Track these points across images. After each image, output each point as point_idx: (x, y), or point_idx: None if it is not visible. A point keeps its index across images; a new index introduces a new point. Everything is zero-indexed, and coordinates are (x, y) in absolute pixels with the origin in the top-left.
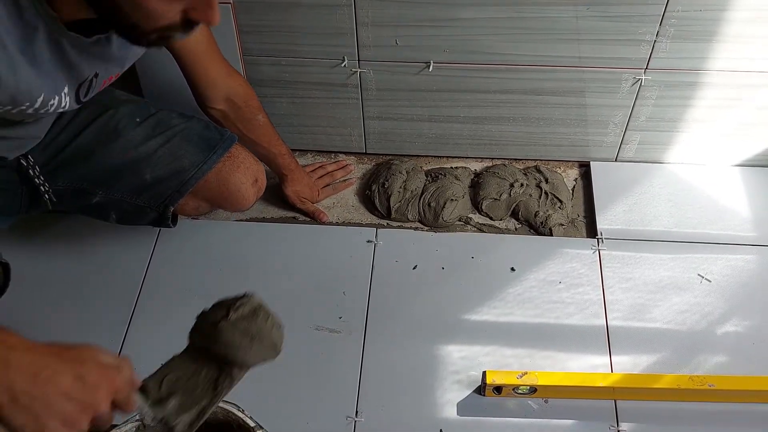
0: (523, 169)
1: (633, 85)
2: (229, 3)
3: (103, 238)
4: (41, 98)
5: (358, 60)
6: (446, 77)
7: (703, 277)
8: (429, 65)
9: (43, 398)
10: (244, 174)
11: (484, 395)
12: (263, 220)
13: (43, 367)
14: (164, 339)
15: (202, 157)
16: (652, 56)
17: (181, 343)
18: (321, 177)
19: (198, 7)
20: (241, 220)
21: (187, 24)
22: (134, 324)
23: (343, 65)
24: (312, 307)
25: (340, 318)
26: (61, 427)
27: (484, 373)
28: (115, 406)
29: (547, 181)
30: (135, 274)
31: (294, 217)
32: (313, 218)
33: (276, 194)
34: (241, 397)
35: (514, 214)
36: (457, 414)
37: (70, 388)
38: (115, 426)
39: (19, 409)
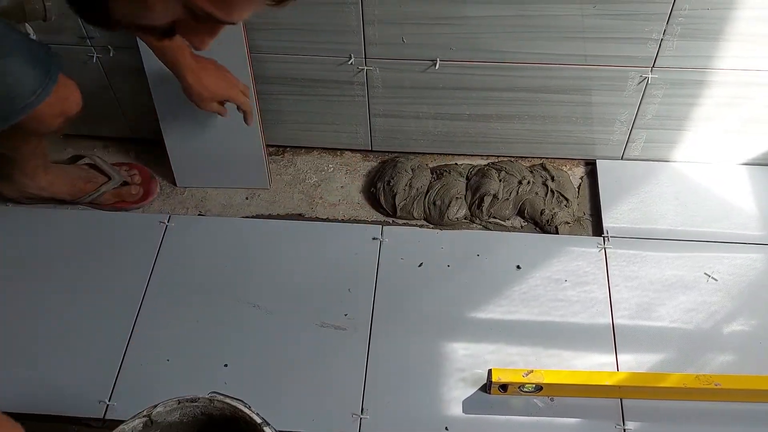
0: (529, 167)
1: (639, 83)
2: None
3: (110, 233)
4: None
5: (365, 57)
6: (452, 75)
7: (709, 276)
8: (435, 63)
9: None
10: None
11: (489, 393)
12: (269, 216)
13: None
14: (171, 334)
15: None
16: (658, 55)
17: (187, 338)
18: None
19: (190, 30)
20: (248, 217)
21: (170, 31)
22: (141, 318)
23: (349, 63)
24: (317, 303)
25: (346, 315)
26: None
27: (489, 371)
28: None
29: (553, 179)
30: (142, 269)
31: (300, 214)
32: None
33: (281, 191)
34: (248, 393)
35: (520, 212)
36: (463, 412)
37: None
38: (122, 422)
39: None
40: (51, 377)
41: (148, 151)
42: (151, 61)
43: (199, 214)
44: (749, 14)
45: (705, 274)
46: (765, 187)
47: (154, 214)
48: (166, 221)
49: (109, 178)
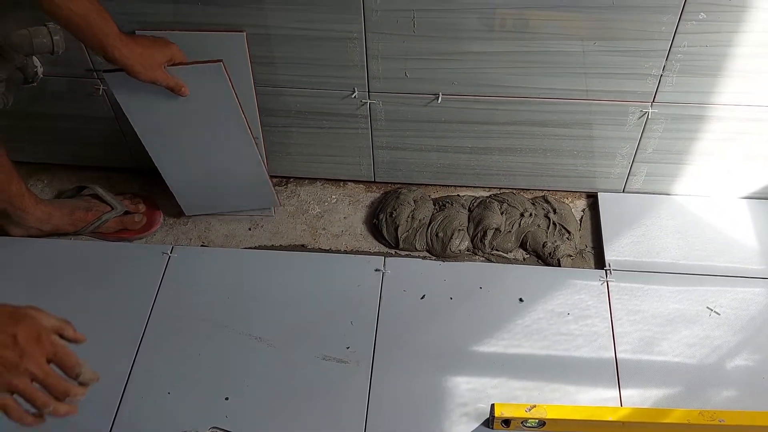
0: (531, 199)
1: (640, 118)
2: (244, 33)
3: (113, 264)
4: None
5: (368, 91)
6: (454, 109)
7: (712, 310)
8: (438, 97)
9: None
10: None
11: (492, 428)
12: (272, 247)
13: None
14: (173, 366)
15: None
16: (658, 90)
17: (189, 370)
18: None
19: None
20: (251, 248)
21: None
22: (142, 350)
23: (353, 96)
24: (319, 336)
25: (348, 348)
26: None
27: (492, 405)
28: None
29: (555, 211)
30: (144, 300)
31: (303, 245)
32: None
33: (284, 221)
34: (249, 427)
35: (523, 245)
36: None
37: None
38: None
39: None
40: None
41: (153, 182)
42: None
43: (202, 245)
44: (747, 51)
45: (707, 308)
46: (765, 221)
47: (157, 244)
48: (169, 252)
49: (112, 208)
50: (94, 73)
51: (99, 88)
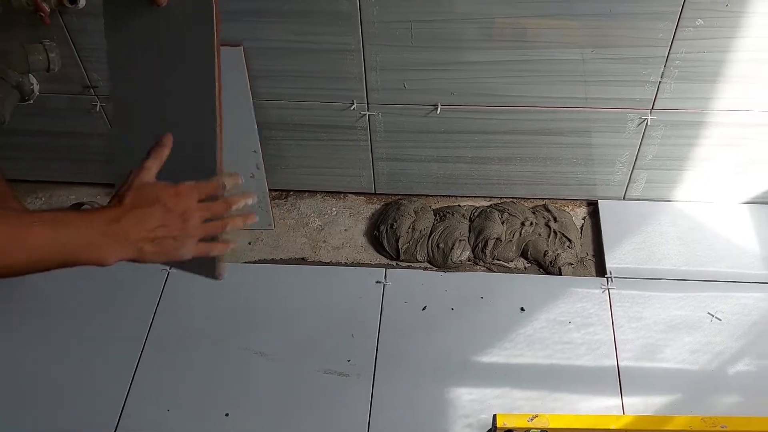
0: (532, 208)
1: (639, 125)
2: (241, 47)
3: (111, 281)
4: None
5: (367, 103)
6: (453, 119)
7: (713, 316)
8: (437, 107)
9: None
10: None
11: None
12: (272, 261)
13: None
14: (172, 383)
15: None
16: (657, 97)
17: (188, 387)
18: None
19: None
20: (250, 262)
21: None
22: (141, 367)
23: (352, 108)
24: (320, 349)
25: (349, 361)
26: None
27: (494, 416)
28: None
29: (555, 219)
30: (143, 316)
31: (303, 259)
32: None
33: (285, 235)
34: None
35: (524, 254)
36: None
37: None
38: None
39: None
40: (51, 428)
41: None
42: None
43: None
44: (744, 57)
45: (709, 314)
46: (767, 225)
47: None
48: (168, 268)
49: None
50: (91, 90)
51: (96, 105)
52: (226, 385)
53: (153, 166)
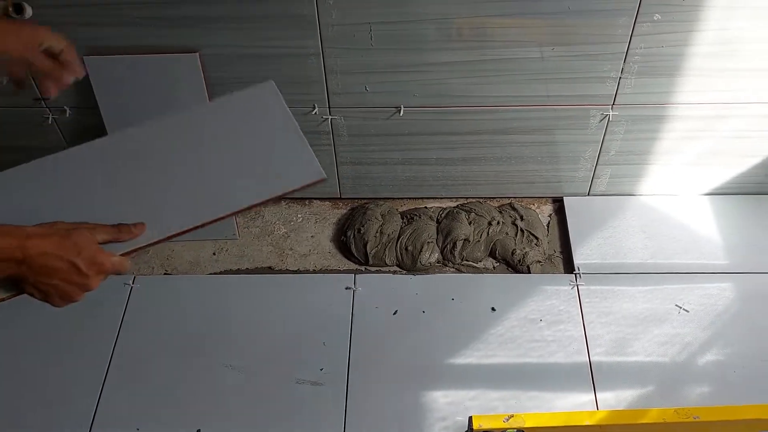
0: (498, 207)
1: (601, 120)
2: (197, 54)
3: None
4: None
5: (329, 107)
6: (417, 121)
7: (681, 308)
8: (399, 110)
9: (47, 281)
10: None
11: None
12: (238, 271)
13: (49, 256)
14: (140, 400)
15: None
16: (618, 92)
17: (157, 404)
18: None
19: None
20: (216, 273)
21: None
22: (108, 386)
23: (313, 112)
24: (292, 359)
25: (322, 369)
26: (60, 300)
27: (470, 418)
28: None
29: (522, 218)
30: (107, 334)
31: (270, 267)
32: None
33: (250, 244)
34: None
35: (492, 253)
36: None
37: (67, 275)
38: None
39: (31, 285)
40: None
41: None
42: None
43: (165, 273)
44: (702, 50)
45: (676, 305)
46: (728, 216)
47: (117, 275)
48: (130, 282)
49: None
50: (43, 102)
51: (48, 117)
52: (197, 400)
53: (103, 237)
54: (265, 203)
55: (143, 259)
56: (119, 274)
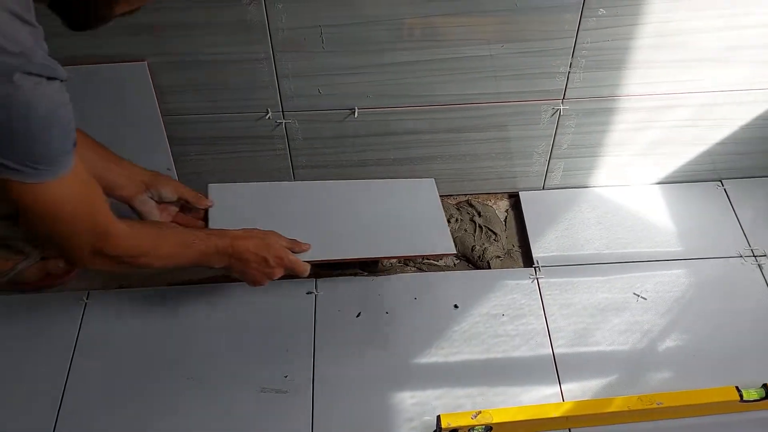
0: (456, 204)
1: (552, 115)
2: (145, 62)
3: (24, 319)
4: None
5: (282, 111)
6: (372, 122)
7: (638, 296)
8: (354, 111)
9: (246, 269)
10: None
11: None
12: (196, 281)
13: (249, 252)
14: (99, 421)
15: None
16: (567, 87)
17: (118, 422)
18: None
19: None
20: (173, 284)
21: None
22: (65, 408)
23: (267, 117)
24: (255, 368)
25: (286, 377)
26: (252, 283)
27: (438, 417)
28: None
29: (480, 214)
30: (62, 353)
31: (227, 276)
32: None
33: None
34: None
35: None
36: None
37: (259, 266)
38: None
39: (235, 271)
40: None
41: None
42: None
43: (120, 287)
44: (646, 43)
45: (634, 294)
46: (678, 204)
47: (70, 291)
48: (84, 299)
49: (26, 256)
50: None
51: None
52: (159, 416)
53: (285, 243)
54: (402, 258)
55: (96, 273)
56: (296, 274)
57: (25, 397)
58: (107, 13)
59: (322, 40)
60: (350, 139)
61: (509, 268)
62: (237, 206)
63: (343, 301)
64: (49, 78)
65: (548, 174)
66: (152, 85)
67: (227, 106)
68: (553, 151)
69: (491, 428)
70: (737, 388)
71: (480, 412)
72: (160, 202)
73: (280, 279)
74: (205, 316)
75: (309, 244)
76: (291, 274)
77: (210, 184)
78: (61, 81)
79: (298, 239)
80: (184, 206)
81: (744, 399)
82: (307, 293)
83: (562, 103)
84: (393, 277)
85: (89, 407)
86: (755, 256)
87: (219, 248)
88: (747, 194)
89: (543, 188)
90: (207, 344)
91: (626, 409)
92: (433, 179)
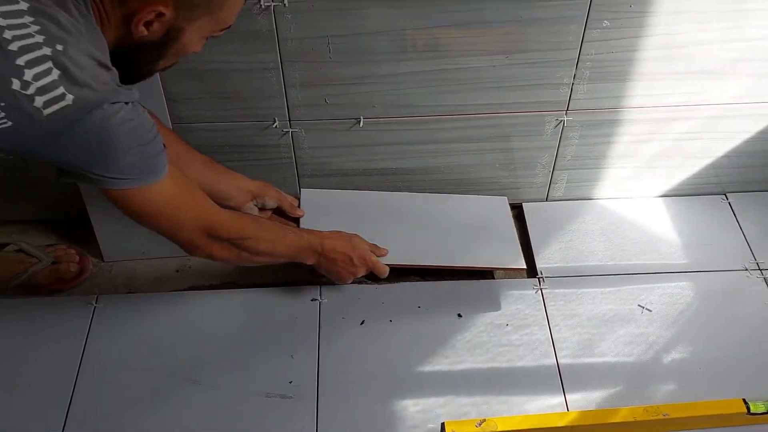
0: None
1: (556, 126)
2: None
3: (34, 322)
4: None
5: (289, 120)
6: (377, 131)
7: (643, 308)
8: (359, 121)
9: (332, 267)
10: None
11: None
12: (203, 287)
13: (336, 251)
14: (107, 423)
15: None
16: (571, 98)
17: (125, 424)
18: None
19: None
20: (180, 290)
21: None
22: (73, 411)
23: (274, 126)
24: (260, 373)
25: (291, 382)
26: (338, 280)
27: (442, 424)
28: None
29: None
30: (71, 356)
31: (234, 282)
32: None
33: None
34: None
35: None
36: None
37: (344, 264)
38: None
39: (322, 268)
40: None
41: (69, 231)
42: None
43: (128, 292)
44: (650, 54)
45: (639, 305)
46: (682, 217)
47: (81, 296)
48: (94, 303)
49: (38, 260)
50: None
51: None
52: (166, 419)
53: (368, 245)
54: (473, 269)
55: (106, 279)
56: (377, 274)
57: (35, 399)
58: (152, 68)
59: (330, 50)
60: (356, 149)
61: (513, 279)
62: (325, 210)
63: (347, 308)
64: (126, 103)
65: (552, 185)
66: (163, 93)
67: (235, 115)
68: (556, 162)
69: None
70: (744, 400)
71: (485, 420)
72: (262, 209)
73: (361, 277)
74: (212, 322)
75: (387, 249)
76: (372, 274)
77: (303, 189)
78: (136, 102)
79: (378, 244)
80: (277, 212)
81: (751, 412)
82: (312, 300)
83: (565, 114)
84: (397, 285)
85: (98, 410)
86: (760, 269)
87: (311, 245)
88: (751, 207)
89: (546, 200)
90: (213, 349)
91: (632, 419)
92: (505, 197)
